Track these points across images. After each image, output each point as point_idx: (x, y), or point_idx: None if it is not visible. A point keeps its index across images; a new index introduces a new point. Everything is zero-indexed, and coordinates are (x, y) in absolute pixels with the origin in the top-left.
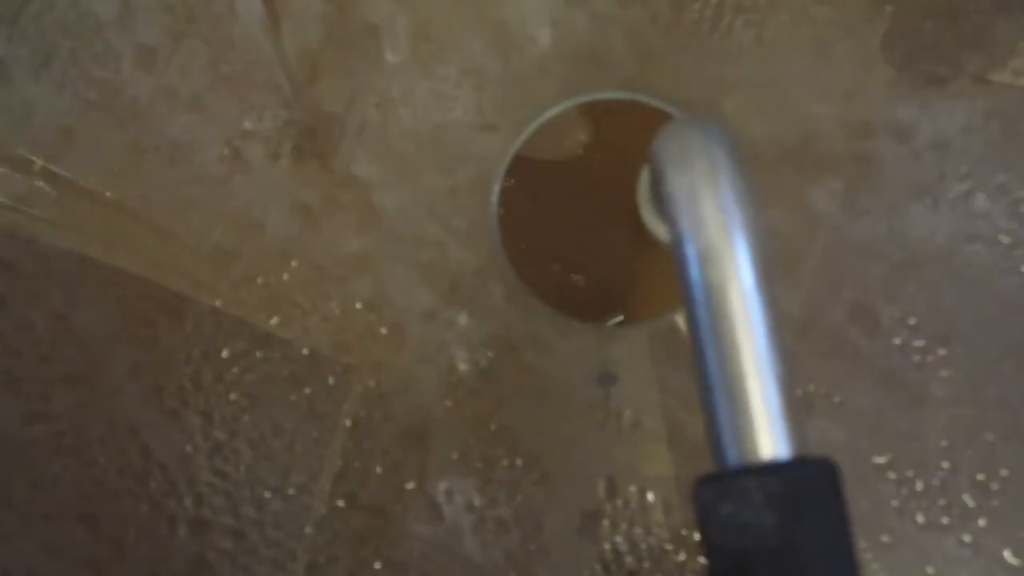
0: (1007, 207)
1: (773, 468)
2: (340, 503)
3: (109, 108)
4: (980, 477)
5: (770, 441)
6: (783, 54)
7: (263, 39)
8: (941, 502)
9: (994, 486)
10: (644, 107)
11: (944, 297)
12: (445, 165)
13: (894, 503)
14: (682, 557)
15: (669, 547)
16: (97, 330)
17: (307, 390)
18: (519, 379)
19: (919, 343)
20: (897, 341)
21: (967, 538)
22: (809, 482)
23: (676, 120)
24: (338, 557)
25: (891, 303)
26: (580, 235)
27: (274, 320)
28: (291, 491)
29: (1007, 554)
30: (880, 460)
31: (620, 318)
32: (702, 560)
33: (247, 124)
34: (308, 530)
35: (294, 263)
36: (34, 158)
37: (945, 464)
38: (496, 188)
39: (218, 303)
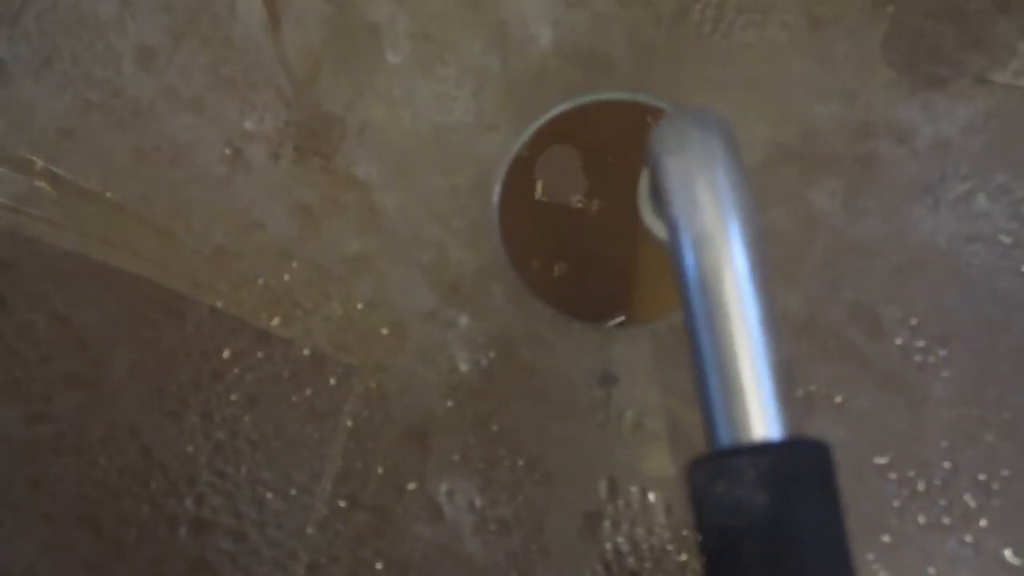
0: (1008, 207)
1: (765, 448)
2: (341, 503)
3: (110, 109)
4: (981, 477)
5: (762, 422)
6: (784, 55)
7: (264, 39)
8: (942, 502)
9: (995, 486)
10: (645, 107)
11: (945, 297)
12: (446, 165)
13: (895, 503)
14: (684, 557)
15: (671, 547)
16: (98, 331)
17: (308, 391)
18: (520, 380)
19: (920, 343)
20: (898, 341)
21: (968, 538)
22: (800, 461)
23: (672, 111)
24: (339, 557)
25: (892, 303)
26: (581, 236)
27: (275, 320)
28: (292, 491)
29: (1008, 554)
30: (881, 460)
31: (621, 318)
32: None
33: (248, 125)
34: (309, 530)
35: (295, 263)
36: (35, 158)
37: (946, 464)
38: (497, 188)
39: (219, 303)
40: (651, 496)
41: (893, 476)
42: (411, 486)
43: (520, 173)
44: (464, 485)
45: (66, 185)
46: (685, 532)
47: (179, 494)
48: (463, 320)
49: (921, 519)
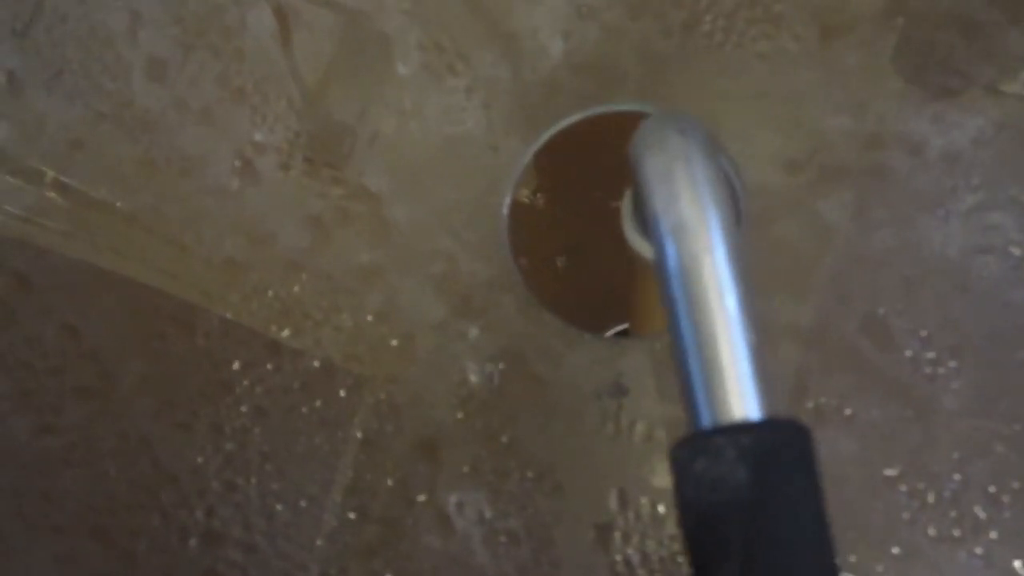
0: (1019, 219)
1: (745, 427)
2: (351, 515)
3: (120, 120)
4: (992, 489)
5: (741, 402)
6: (794, 66)
7: (274, 50)
8: (953, 514)
9: (1005, 498)
10: None
11: (955, 309)
12: (456, 177)
13: (905, 515)
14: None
15: (681, 559)
16: (108, 342)
17: (318, 402)
18: (530, 391)
19: (930, 355)
20: (908, 353)
21: (979, 550)
22: (780, 439)
23: (652, 115)
24: (349, 569)
25: (902, 315)
26: (591, 247)
27: (285, 332)
28: (302, 503)
29: (1018, 565)
30: (891, 472)
31: (631, 330)
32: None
33: (258, 136)
34: (319, 542)
35: (305, 275)
36: (45, 169)
37: (956, 476)
38: (507, 200)
39: (229, 315)
40: (661, 508)
41: (903, 488)
42: (421, 498)
43: (530, 184)
44: (474, 497)
45: (76, 196)
46: None
47: (189, 506)
48: (473, 332)
49: (931, 531)
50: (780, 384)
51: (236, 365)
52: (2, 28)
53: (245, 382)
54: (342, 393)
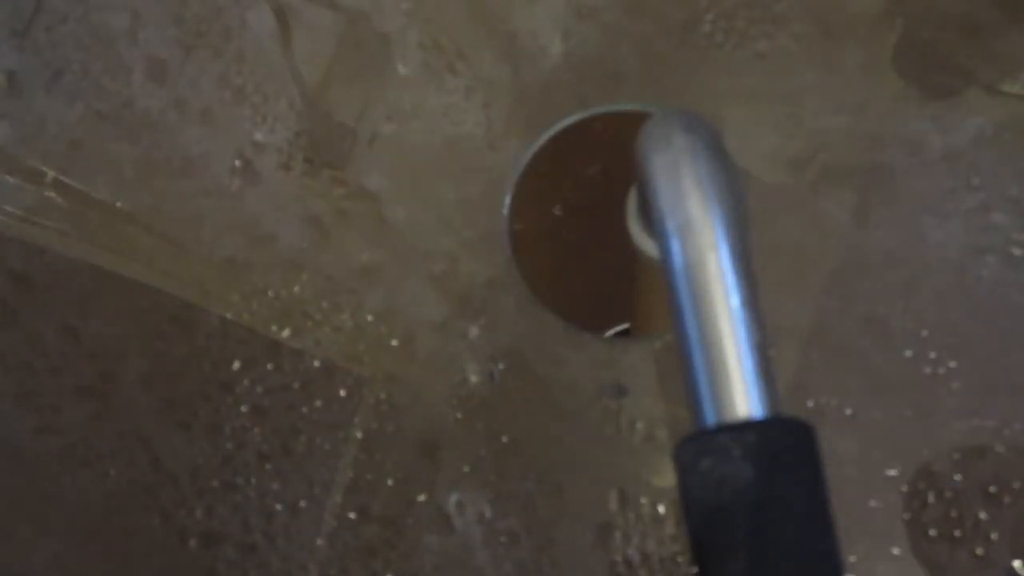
0: (1019, 219)
1: (749, 426)
2: (351, 515)
3: (120, 120)
4: (992, 489)
5: (746, 401)
6: (794, 66)
7: (274, 51)
8: (953, 514)
9: (1006, 499)
10: None
11: (956, 309)
12: (456, 177)
13: (906, 515)
14: (695, 569)
15: (681, 559)
16: (108, 342)
17: (318, 402)
18: (530, 391)
19: (931, 355)
20: (908, 353)
21: (979, 551)
22: (784, 438)
23: (658, 112)
24: (349, 569)
25: (903, 315)
26: (592, 247)
27: (285, 332)
28: (302, 503)
29: (1018, 565)
30: (892, 472)
31: (632, 330)
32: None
33: (258, 136)
34: (319, 542)
35: (305, 275)
36: (45, 169)
37: (957, 476)
38: (507, 200)
39: (229, 314)
40: (661, 508)
41: (904, 488)
42: (421, 498)
43: (530, 184)
44: (474, 496)
45: (76, 196)
46: None
47: (189, 506)
48: (473, 331)
49: (932, 531)
50: (780, 384)
51: (236, 365)
52: (2, 28)
53: (245, 382)
54: (342, 393)
